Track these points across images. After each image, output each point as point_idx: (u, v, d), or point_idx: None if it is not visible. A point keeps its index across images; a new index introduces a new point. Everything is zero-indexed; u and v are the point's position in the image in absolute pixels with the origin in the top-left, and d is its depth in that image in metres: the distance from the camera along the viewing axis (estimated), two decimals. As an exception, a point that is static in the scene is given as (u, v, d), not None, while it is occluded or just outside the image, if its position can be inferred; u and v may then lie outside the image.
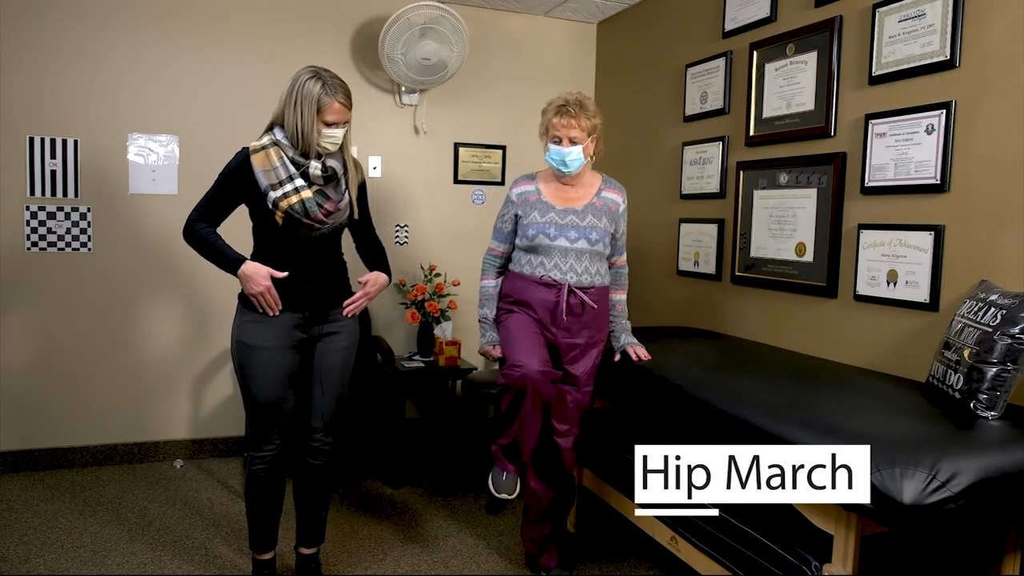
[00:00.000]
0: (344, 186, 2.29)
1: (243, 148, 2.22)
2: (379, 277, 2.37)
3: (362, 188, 2.40)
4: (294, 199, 2.17)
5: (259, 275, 2.16)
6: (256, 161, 2.17)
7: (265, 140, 2.20)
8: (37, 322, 3.49)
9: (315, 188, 2.21)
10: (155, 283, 3.64)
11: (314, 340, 2.32)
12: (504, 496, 2.38)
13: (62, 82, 3.44)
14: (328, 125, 2.17)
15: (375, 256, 2.46)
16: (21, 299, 3.46)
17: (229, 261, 2.18)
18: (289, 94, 2.17)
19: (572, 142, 2.34)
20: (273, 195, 2.17)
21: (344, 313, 2.33)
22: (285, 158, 2.18)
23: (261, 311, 2.21)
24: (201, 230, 2.22)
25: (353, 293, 2.36)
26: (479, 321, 2.54)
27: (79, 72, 3.46)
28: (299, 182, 2.19)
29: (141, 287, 3.63)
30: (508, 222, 2.49)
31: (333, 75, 2.19)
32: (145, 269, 3.62)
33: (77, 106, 3.47)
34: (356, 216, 2.36)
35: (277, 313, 2.21)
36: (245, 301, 2.25)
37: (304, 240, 2.24)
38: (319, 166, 2.20)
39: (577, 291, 2.37)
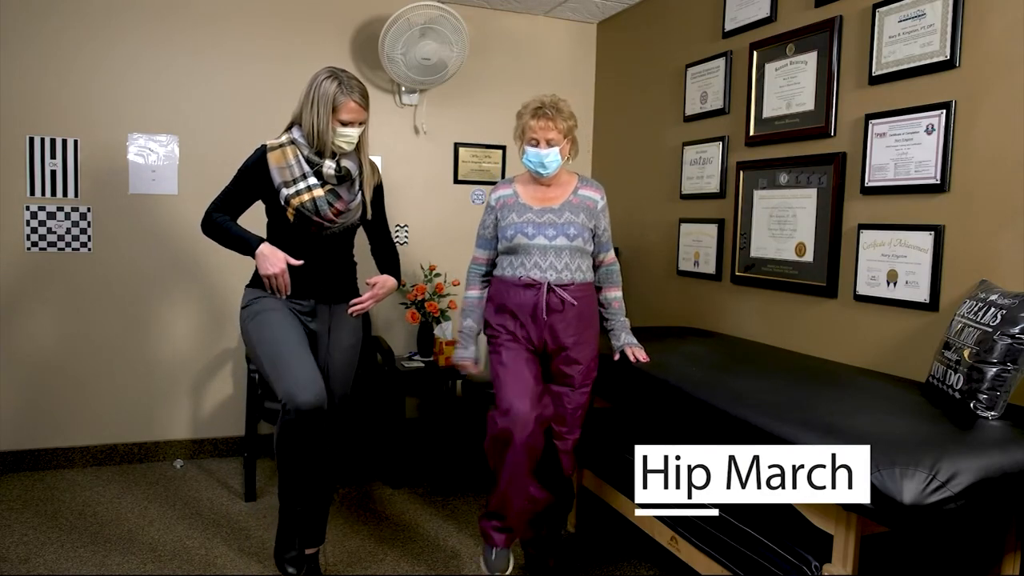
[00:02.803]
0: (358, 187, 2.33)
1: (261, 145, 2.27)
2: (387, 280, 2.38)
3: (378, 190, 2.43)
4: (306, 197, 2.22)
5: (277, 256, 2.20)
6: (272, 159, 2.23)
7: (283, 138, 2.26)
8: (37, 322, 3.49)
9: (327, 187, 2.26)
10: (155, 283, 3.64)
11: (317, 334, 2.34)
12: (498, 575, 2.41)
13: (62, 82, 3.44)
14: (343, 124, 2.21)
15: (388, 259, 2.48)
16: (21, 299, 3.46)
17: (248, 242, 2.22)
18: (307, 93, 2.22)
19: (549, 144, 2.35)
20: (285, 192, 2.22)
21: (349, 312, 2.35)
22: (300, 156, 2.23)
23: (270, 292, 2.24)
24: (219, 218, 2.27)
25: (359, 294, 2.38)
26: (459, 331, 2.51)
27: (79, 72, 3.46)
28: (312, 180, 2.23)
29: (141, 287, 3.63)
30: (490, 228, 2.48)
31: (351, 76, 2.24)
32: (145, 269, 3.62)
33: (77, 106, 3.47)
34: (369, 217, 2.39)
35: (285, 297, 2.26)
36: (255, 283, 2.30)
37: (315, 238, 2.29)
38: (333, 165, 2.25)
39: (557, 288, 2.37)
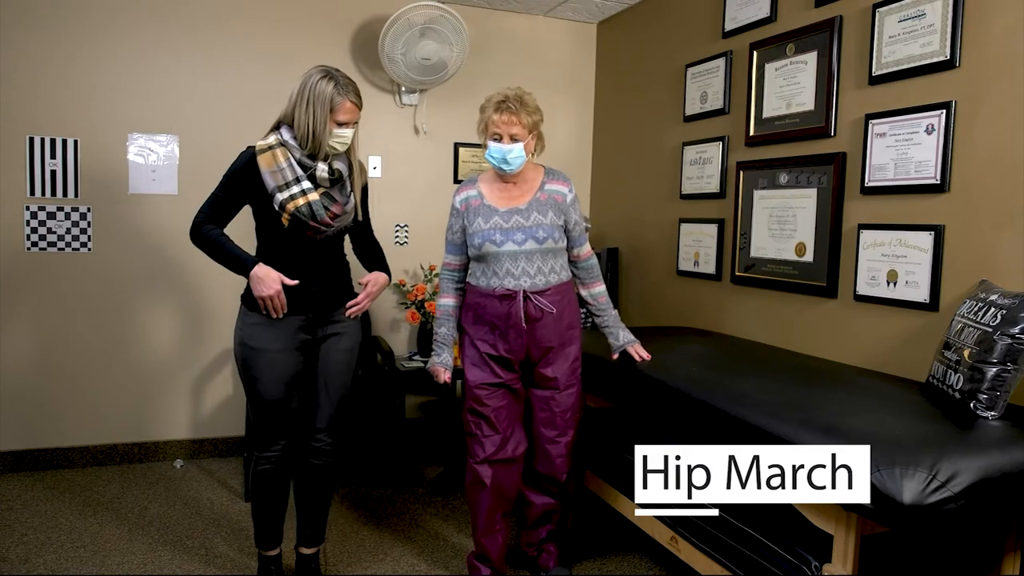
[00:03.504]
0: (350, 188, 2.28)
1: (248, 148, 2.20)
2: (379, 277, 2.36)
3: (364, 190, 2.39)
4: (301, 201, 2.16)
5: (271, 278, 2.15)
6: (263, 162, 2.15)
7: (272, 140, 2.18)
8: (37, 322, 3.49)
9: (322, 191, 2.21)
10: (155, 283, 3.64)
11: (318, 342, 2.32)
12: None
13: (62, 82, 3.44)
14: (340, 125, 2.16)
15: (373, 256, 2.45)
16: (21, 299, 3.46)
17: (242, 263, 2.17)
18: (300, 94, 2.15)
19: (513, 139, 2.27)
20: (280, 197, 2.15)
21: (347, 315, 2.32)
22: (292, 159, 2.17)
23: (265, 313, 2.20)
24: (210, 232, 2.20)
25: (355, 294, 2.36)
26: (434, 340, 2.46)
27: (79, 72, 3.46)
28: (306, 184, 2.17)
29: (141, 287, 3.63)
30: (457, 233, 2.40)
31: (344, 74, 2.19)
32: (145, 269, 3.62)
33: (77, 106, 3.47)
34: (360, 218, 2.35)
35: (282, 316, 2.21)
36: (249, 303, 2.24)
37: (308, 242, 2.24)
38: (326, 168, 2.20)
39: (533, 296, 2.31)
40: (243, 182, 2.19)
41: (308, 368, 2.33)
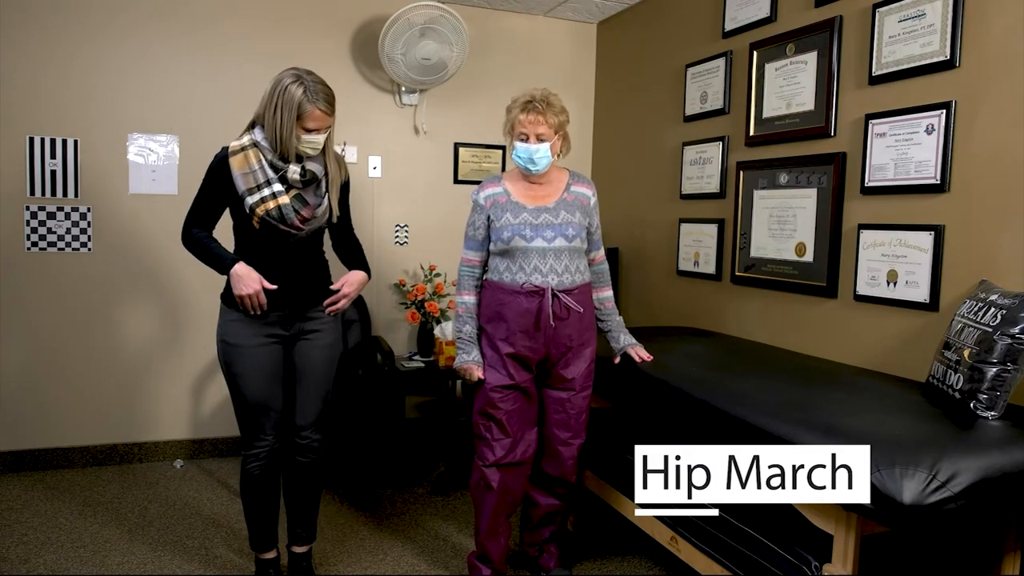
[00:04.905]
0: (324, 189, 2.26)
1: (223, 148, 2.19)
2: (355, 276, 2.34)
3: (344, 187, 2.35)
4: (271, 204, 2.15)
5: (251, 278, 2.15)
6: (235, 163, 2.15)
7: (245, 140, 2.17)
8: (37, 322, 3.49)
9: (293, 193, 2.18)
10: (155, 283, 3.64)
11: (294, 338, 2.31)
12: None
13: (62, 82, 3.44)
14: (308, 131, 2.13)
15: (353, 254, 2.42)
16: (21, 299, 3.46)
17: (223, 262, 2.18)
18: (270, 97, 2.12)
19: (540, 139, 2.27)
20: (250, 200, 2.15)
21: (327, 312, 2.31)
22: (263, 161, 2.15)
23: (243, 311, 2.20)
24: (197, 234, 2.23)
25: (333, 292, 2.33)
26: (459, 338, 2.39)
27: (79, 72, 3.46)
28: (277, 187, 2.16)
29: (141, 287, 3.63)
30: (480, 229, 2.37)
31: (317, 80, 2.13)
32: (145, 269, 3.62)
33: (77, 106, 3.47)
34: (334, 220, 2.32)
35: (260, 313, 2.21)
36: (228, 300, 2.24)
37: (283, 241, 2.22)
38: (298, 170, 2.17)
39: (561, 295, 2.30)
40: (217, 182, 2.19)
41: (288, 366, 2.33)
